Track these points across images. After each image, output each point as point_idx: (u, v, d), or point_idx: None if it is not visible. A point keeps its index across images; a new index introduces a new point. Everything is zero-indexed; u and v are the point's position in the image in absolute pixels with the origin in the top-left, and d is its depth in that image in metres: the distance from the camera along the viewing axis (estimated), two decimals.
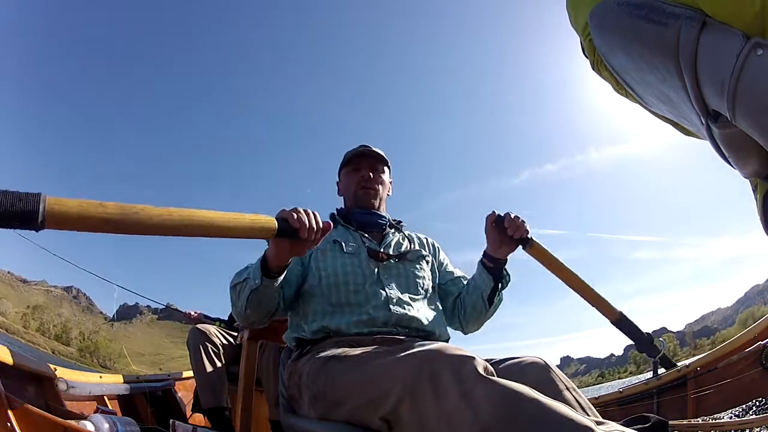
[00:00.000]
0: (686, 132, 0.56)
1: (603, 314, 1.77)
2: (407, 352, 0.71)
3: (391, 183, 1.34)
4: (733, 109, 0.40)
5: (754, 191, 0.51)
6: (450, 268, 1.30)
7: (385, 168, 1.31)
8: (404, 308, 1.04)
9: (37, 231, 0.59)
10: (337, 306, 1.04)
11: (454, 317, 1.23)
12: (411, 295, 1.09)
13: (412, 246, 1.23)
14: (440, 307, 1.17)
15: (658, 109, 0.55)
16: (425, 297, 1.13)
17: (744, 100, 0.39)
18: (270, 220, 0.82)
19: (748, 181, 0.52)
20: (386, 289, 1.06)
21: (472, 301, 1.18)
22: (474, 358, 0.65)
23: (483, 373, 0.62)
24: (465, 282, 1.26)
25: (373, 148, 1.28)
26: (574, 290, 1.56)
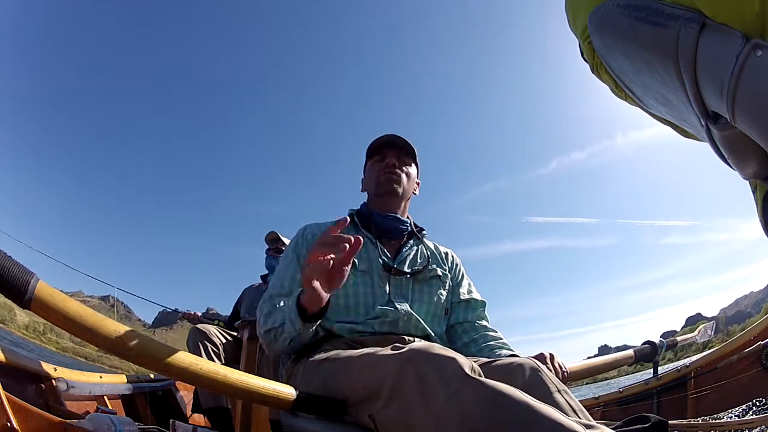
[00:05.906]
0: (686, 134, 0.56)
1: (625, 364, 1.95)
2: (391, 352, 0.70)
3: (418, 183, 1.25)
4: (733, 110, 0.40)
5: (753, 193, 0.51)
6: (463, 288, 1.22)
7: (413, 163, 1.22)
8: (410, 330, 1.03)
9: (22, 308, 0.60)
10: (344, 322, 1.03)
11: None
12: (420, 316, 1.06)
13: (430, 262, 1.16)
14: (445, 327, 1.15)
15: (658, 111, 0.55)
16: (435, 318, 1.11)
17: (744, 102, 0.39)
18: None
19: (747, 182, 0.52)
20: (396, 309, 1.03)
21: (477, 351, 1.10)
22: (458, 358, 0.63)
23: (470, 373, 0.61)
24: (473, 306, 1.19)
25: (402, 138, 1.18)
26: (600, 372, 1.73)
